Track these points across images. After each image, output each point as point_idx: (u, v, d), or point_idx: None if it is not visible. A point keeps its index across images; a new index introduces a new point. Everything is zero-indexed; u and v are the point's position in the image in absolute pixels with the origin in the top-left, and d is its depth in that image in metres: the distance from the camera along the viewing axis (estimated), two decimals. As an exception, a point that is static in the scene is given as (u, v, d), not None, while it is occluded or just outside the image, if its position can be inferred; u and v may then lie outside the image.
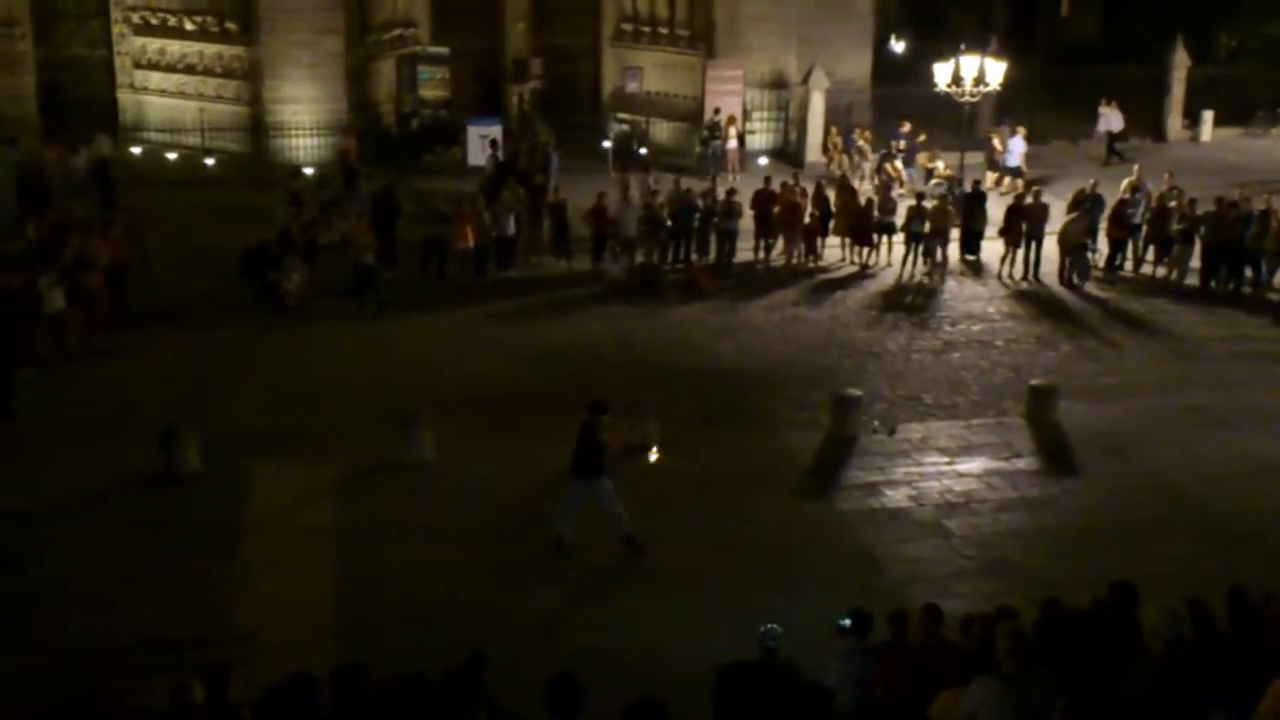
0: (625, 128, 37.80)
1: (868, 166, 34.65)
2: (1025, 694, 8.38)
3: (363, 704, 9.67)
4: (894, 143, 34.69)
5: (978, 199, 29.47)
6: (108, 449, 18.80)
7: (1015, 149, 34.86)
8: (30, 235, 24.99)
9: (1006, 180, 34.17)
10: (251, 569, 15.86)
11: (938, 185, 31.68)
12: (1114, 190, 29.56)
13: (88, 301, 23.16)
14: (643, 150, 36.59)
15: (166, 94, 38.28)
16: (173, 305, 25.16)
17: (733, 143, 35.85)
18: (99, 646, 14.03)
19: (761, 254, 29.27)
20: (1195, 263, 27.93)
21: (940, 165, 33.18)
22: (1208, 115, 41.77)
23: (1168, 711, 8.11)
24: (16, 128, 35.33)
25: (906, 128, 34.89)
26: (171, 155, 36.51)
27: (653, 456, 16.61)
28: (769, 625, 11.10)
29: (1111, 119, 37.57)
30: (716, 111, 36.04)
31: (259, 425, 19.83)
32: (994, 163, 35.18)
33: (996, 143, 35.24)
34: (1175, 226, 28.20)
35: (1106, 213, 28.99)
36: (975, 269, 28.97)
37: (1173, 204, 28.60)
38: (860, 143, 35.44)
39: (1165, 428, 20.58)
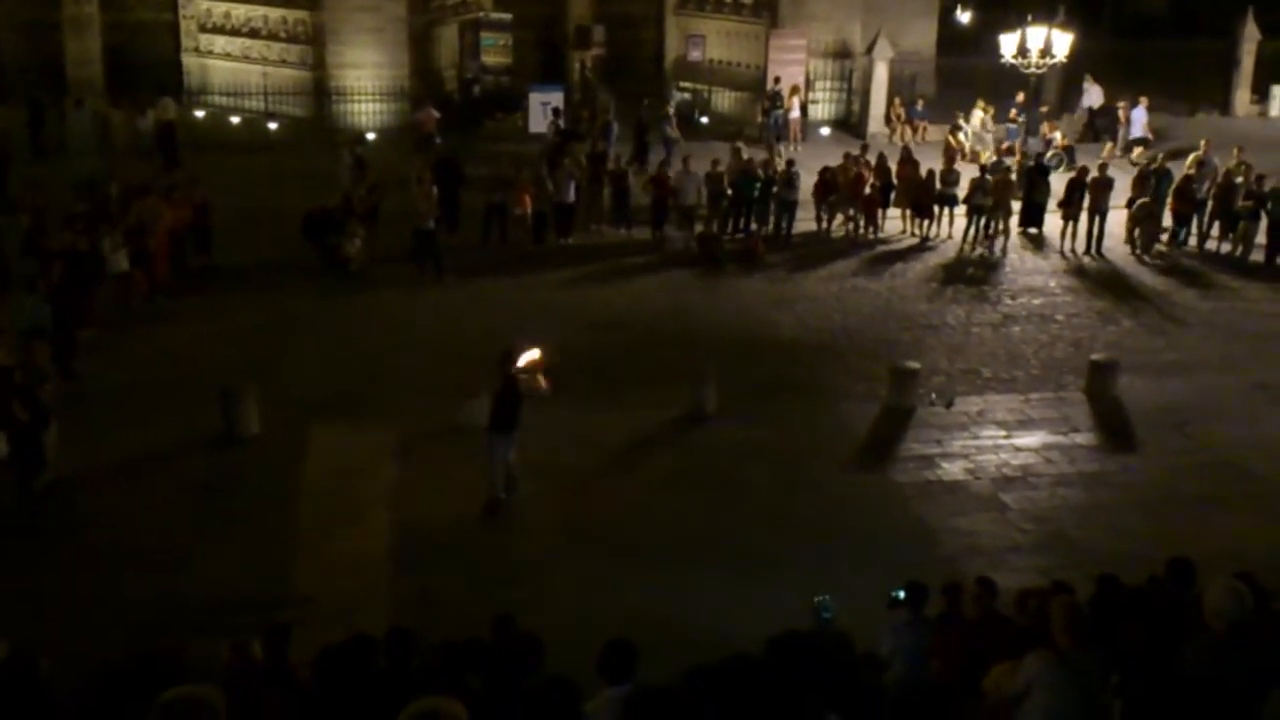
0: (687, 96, 37.69)
1: (990, 139, 34.43)
2: (1080, 669, 8.36)
3: (418, 668, 9.77)
4: (1012, 112, 34.56)
5: (1040, 171, 29.20)
6: (169, 411, 19.01)
7: (1138, 119, 35.26)
8: (112, 195, 25.30)
9: (1136, 150, 34.00)
10: (310, 531, 16.03)
11: (1054, 156, 31.59)
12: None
13: (149, 264, 23.45)
14: (704, 119, 36.48)
15: (230, 58, 38.57)
16: (234, 268, 25.37)
17: (795, 113, 35.68)
18: (160, 607, 14.23)
19: (823, 225, 29.12)
20: (1261, 239, 27.59)
21: (1058, 136, 33.10)
22: (1277, 90, 41.15)
23: (1226, 690, 8.05)
24: (83, 90, 35.74)
25: (1020, 98, 34.70)
26: (235, 119, 36.76)
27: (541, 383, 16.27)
28: (822, 596, 11.11)
29: (1093, 94, 36.97)
30: (777, 81, 35.84)
31: (319, 388, 20.00)
32: (1114, 133, 35.15)
33: (1120, 114, 35.14)
34: (1241, 203, 27.85)
35: (1172, 187, 28.70)
36: (1037, 242, 28.72)
37: (1239, 179, 28.25)
38: (981, 114, 35.02)
39: (1228, 405, 20.37)
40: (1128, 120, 35.28)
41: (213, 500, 16.82)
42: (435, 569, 15.19)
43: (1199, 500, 17.19)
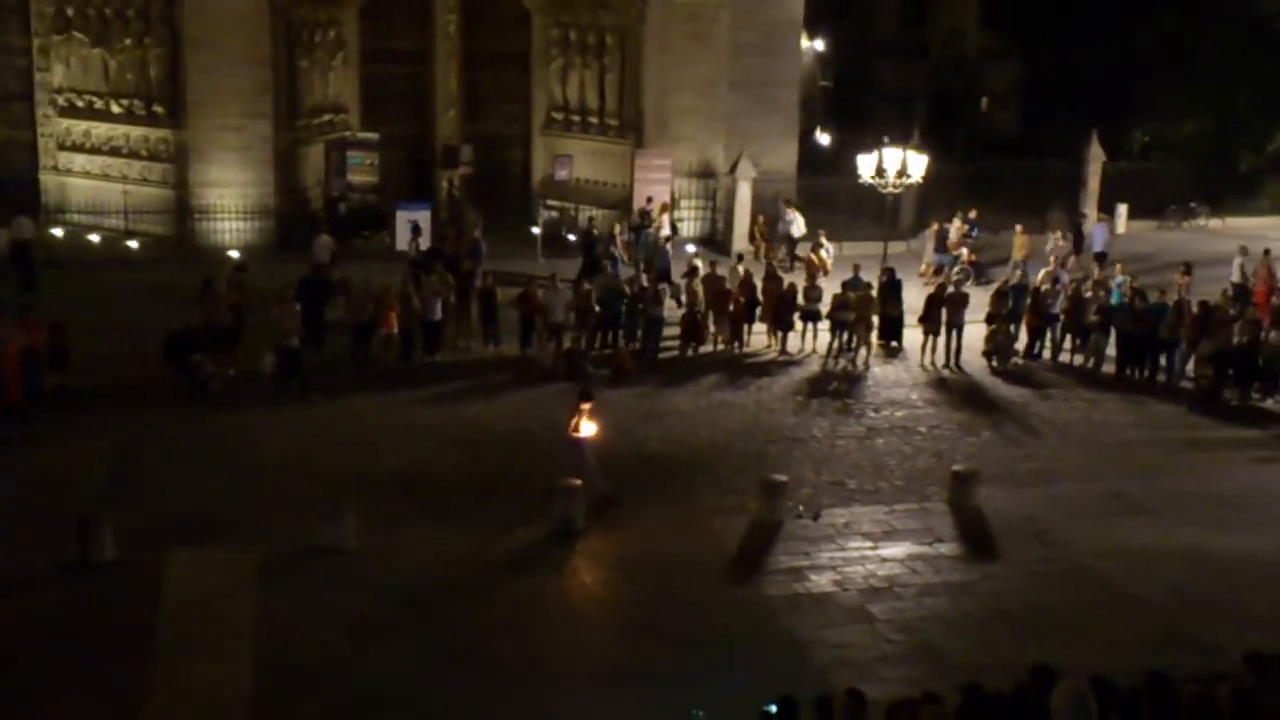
0: (555, 214, 38.03)
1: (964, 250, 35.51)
2: (947, 779, 8.39)
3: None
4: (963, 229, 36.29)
5: (893, 287, 29.83)
6: (20, 538, 18.33)
7: (1099, 236, 36.85)
8: None
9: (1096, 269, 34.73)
10: (165, 663, 15.52)
11: (960, 272, 32.38)
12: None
13: (1, 386, 22.83)
14: (571, 236, 36.80)
15: (90, 176, 38.09)
16: (92, 389, 24.75)
17: (666, 230, 36.08)
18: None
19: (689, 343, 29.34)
20: (1112, 351, 28.43)
21: (964, 252, 34.10)
22: (1122, 208, 42.78)
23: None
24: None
25: (974, 214, 36.68)
26: (94, 237, 36.25)
27: None
28: (696, 710, 11.06)
29: (794, 223, 36.96)
30: (649, 200, 36.29)
31: (180, 511, 19.53)
32: (1080, 247, 36.91)
33: (1086, 229, 37.73)
34: (1092, 317, 28.70)
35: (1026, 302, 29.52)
36: (897, 356, 29.27)
37: (1089, 294, 29.13)
38: (950, 228, 36.26)
39: (1085, 513, 20.77)
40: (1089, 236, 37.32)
41: (64, 631, 16.22)
42: (299, 698, 14.83)
43: (1060, 608, 17.45)
